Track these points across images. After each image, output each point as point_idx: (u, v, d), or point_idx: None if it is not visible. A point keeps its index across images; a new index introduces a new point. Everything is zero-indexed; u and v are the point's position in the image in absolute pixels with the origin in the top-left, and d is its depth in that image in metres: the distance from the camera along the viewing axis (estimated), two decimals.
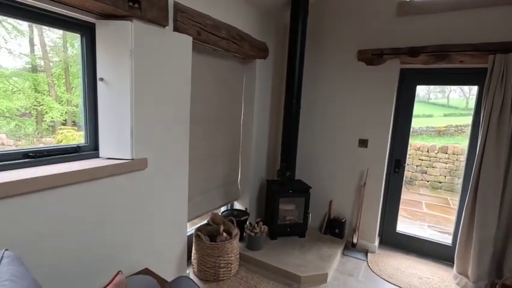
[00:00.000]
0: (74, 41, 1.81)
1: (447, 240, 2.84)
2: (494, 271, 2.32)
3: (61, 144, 1.64)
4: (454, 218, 2.83)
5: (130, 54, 1.55)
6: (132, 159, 1.65)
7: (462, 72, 2.55)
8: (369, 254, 2.85)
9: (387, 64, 2.70)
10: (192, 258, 2.38)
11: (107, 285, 1.12)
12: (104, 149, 1.67)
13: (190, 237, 2.43)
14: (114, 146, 1.64)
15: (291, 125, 2.86)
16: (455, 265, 2.48)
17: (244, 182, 3.04)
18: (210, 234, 2.34)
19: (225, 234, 2.32)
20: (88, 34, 1.59)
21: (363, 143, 2.88)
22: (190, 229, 2.58)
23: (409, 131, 2.84)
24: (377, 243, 2.95)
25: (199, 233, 2.32)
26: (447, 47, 2.39)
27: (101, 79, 1.60)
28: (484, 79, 2.25)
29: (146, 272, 1.70)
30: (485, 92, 2.23)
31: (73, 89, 2.04)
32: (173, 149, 1.95)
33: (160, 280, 1.60)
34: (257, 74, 2.85)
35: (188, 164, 2.12)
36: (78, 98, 1.83)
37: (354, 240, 2.89)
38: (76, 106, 2.06)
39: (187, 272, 2.28)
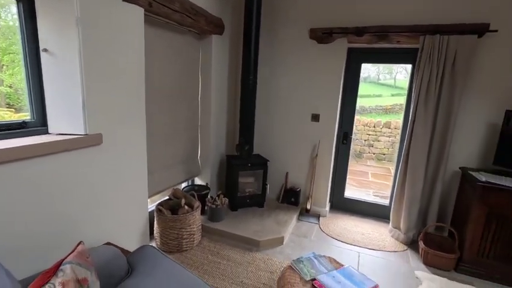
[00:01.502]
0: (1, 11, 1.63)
1: (386, 201, 3.26)
2: (420, 223, 2.76)
3: (4, 120, 1.53)
4: (391, 182, 3.24)
5: (76, 23, 1.48)
6: (86, 134, 1.61)
7: (399, 51, 2.84)
8: (321, 218, 3.16)
9: (336, 43, 2.89)
10: (155, 232, 2.44)
11: (70, 253, 1.15)
12: (54, 125, 1.61)
13: (152, 213, 2.47)
14: (65, 121, 1.59)
15: (248, 101, 2.95)
16: (390, 221, 2.88)
17: (204, 158, 3.10)
18: (171, 208, 2.40)
19: (186, 207, 2.40)
20: (26, 0, 1.47)
21: (315, 117, 3.10)
22: (152, 205, 2.61)
23: (355, 105, 3.12)
24: (327, 208, 3.28)
25: (161, 207, 2.37)
26: (387, 27, 2.63)
27: (45, 50, 1.51)
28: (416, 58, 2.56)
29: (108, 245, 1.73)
30: (416, 70, 2.54)
31: (4, 67, 1.86)
32: (130, 124, 1.94)
33: (124, 251, 1.64)
34: (213, 49, 2.86)
35: (147, 139, 2.12)
36: (11, 77, 1.68)
37: (308, 207, 3.18)
38: (10, 87, 1.88)
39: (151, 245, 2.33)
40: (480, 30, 2.35)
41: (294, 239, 2.73)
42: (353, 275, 1.63)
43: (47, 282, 0.97)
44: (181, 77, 2.63)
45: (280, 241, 2.61)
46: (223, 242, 2.57)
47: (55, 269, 1.02)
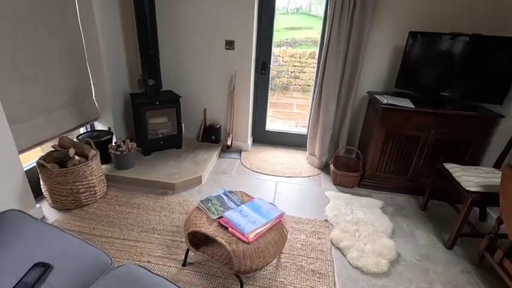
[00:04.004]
0: None
1: (305, 131, 3.34)
2: (333, 148, 2.92)
3: None
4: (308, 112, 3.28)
5: None
6: None
7: None
8: (242, 153, 3.11)
9: None
10: (43, 190, 2.04)
11: None
12: None
13: (35, 170, 2.03)
14: None
15: (145, 27, 2.41)
16: (307, 149, 2.99)
17: (101, 98, 2.60)
18: (58, 161, 1.99)
19: (77, 157, 2.02)
20: None
21: (230, 44, 2.76)
22: (33, 161, 2.14)
23: (272, 32, 2.85)
24: (249, 142, 3.23)
25: (43, 161, 1.94)
26: None
27: None
28: None
29: None
30: None
31: None
32: None
33: None
34: None
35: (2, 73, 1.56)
36: None
37: (229, 143, 3.07)
38: None
39: (37, 206, 1.96)
40: None
41: (214, 177, 2.64)
42: (261, 206, 1.61)
43: None
44: None
45: (198, 181, 2.50)
46: (134, 190, 2.34)
47: None
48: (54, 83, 2.14)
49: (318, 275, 1.65)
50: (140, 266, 1.09)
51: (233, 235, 1.43)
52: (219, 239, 1.40)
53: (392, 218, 2.20)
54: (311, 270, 1.68)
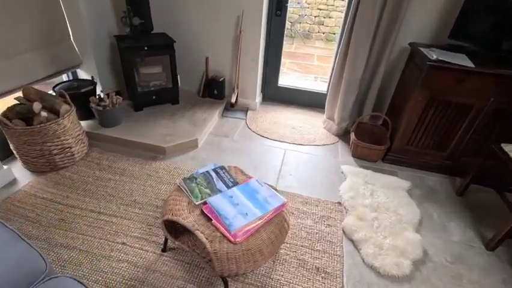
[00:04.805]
0: None
1: (325, 89, 2.83)
2: (355, 113, 2.44)
3: None
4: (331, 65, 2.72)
5: None
6: None
7: None
8: (249, 112, 2.70)
9: None
10: (12, 149, 1.78)
11: None
12: None
13: None
14: None
15: None
16: (325, 111, 2.52)
17: (81, 40, 2.17)
18: (22, 116, 1.67)
19: (44, 113, 1.69)
20: None
21: None
22: None
23: None
24: (258, 100, 2.78)
25: (4, 118, 1.63)
26: None
27: None
28: None
29: None
30: None
31: None
32: None
33: None
34: None
35: None
36: None
37: (233, 100, 2.64)
38: None
39: (5, 167, 1.71)
40: None
41: (213, 140, 2.29)
42: (258, 192, 1.27)
43: None
44: None
45: (194, 145, 2.16)
46: (119, 153, 2.04)
47: None
48: (17, 19, 1.72)
49: (323, 274, 1.36)
50: (79, 282, 0.80)
51: (217, 229, 1.12)
52: (198, 233, 1.09)
53: (420, 204, 1.82)
54: (315, 267, 1.39)
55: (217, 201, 1.21)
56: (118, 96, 2.13)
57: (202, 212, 1.19)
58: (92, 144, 2.08)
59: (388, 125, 2.14)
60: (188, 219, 1.15)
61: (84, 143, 1.95)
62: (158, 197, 1.70)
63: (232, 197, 1.23)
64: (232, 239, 1.07)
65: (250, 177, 1.40)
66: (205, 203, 1.22)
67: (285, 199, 1.25)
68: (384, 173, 2.05)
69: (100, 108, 2.03)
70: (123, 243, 1.42)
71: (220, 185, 1.31)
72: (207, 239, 1.08)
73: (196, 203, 1.22)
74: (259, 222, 1.14)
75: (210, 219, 1.15)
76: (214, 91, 2.66)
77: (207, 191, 1.28)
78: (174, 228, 1.27)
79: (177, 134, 2.15)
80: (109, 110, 2.06)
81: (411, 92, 1.92)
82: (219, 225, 1.11)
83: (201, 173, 1.37)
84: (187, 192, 1.28)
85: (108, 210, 1.59)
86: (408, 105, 1.92)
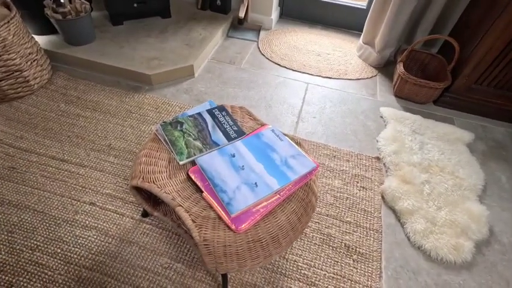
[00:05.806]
0: None
1: (365, 3, 2.13)
2: (406, 35, 1.82)
3: None
4: None
5: None
6: None
7: None
8: (262, 33, 2.09)
9: None
10: None
11: None
12: None
13: None
14: None
15: None
16: (363, 33, 1.90)
17: None
18: None
19: None
20: None
21: None
22: None
23: None
24: (274, 16, 2.13)
25: None
26: None
27: None
28: None
29: None
30: None
31: None
32: None
33: None
34: None
35: None
36: None
37: (242, 15, 2.00)
38: None
39: None
40: None
41: (214, 67, 1.77)
42: (274, 149, 0.84)
43: None
44: None
45: (189, 73, 1.66)
46: (92, 80, 1.57)
47: None
48: None
49: (355, 256, 1.02)
50: None
51: (210, 206, 0.73)
52: (182, 212, 0.70)
53: (483, 163, 1.38)
54: (344, 245, 1.04)
55: (211, 161, 0.79)
56: (83, 0, 1.54)
57: (189, 177, 0.78)
58: (57, 68, 1.60)
59: (448, 55, 1.56)
60: (168, 187, 0.75)
61: (41, 65, 1.47)
62: (140, 142, 1.30)
63: (234, 155, 0.81)
64: (232, 226, 0.68)
65: (263, 125, 0.95)
66: (193, 163, 0.81)
67: (316, 162, 0.82)
68: (437, 120, 1.56)
69: (59, 16, 1.48)
70: (92, 204, 1.08)
71: (217, 135, 0.88)
72: (193, 221, 0.69)
73: (181, 163, 0.81)
74: (276, 198, 0.74)
75: (200, 190, 0.75)
76: (217, 2, 2.01)
77: (197, 144, 0.85)
78: (152, 193, 0.89)
79: (167, 58, 1.64)
80: (72, 20, 1.51)
81: (495, 9, 1.29)
82: (212, 202, 0.72)
83: (190, 116, 0.92)
84: (167, 144, 0.85)
85: (74, 157, 1.21)
86: (495, 26, 1.32)
